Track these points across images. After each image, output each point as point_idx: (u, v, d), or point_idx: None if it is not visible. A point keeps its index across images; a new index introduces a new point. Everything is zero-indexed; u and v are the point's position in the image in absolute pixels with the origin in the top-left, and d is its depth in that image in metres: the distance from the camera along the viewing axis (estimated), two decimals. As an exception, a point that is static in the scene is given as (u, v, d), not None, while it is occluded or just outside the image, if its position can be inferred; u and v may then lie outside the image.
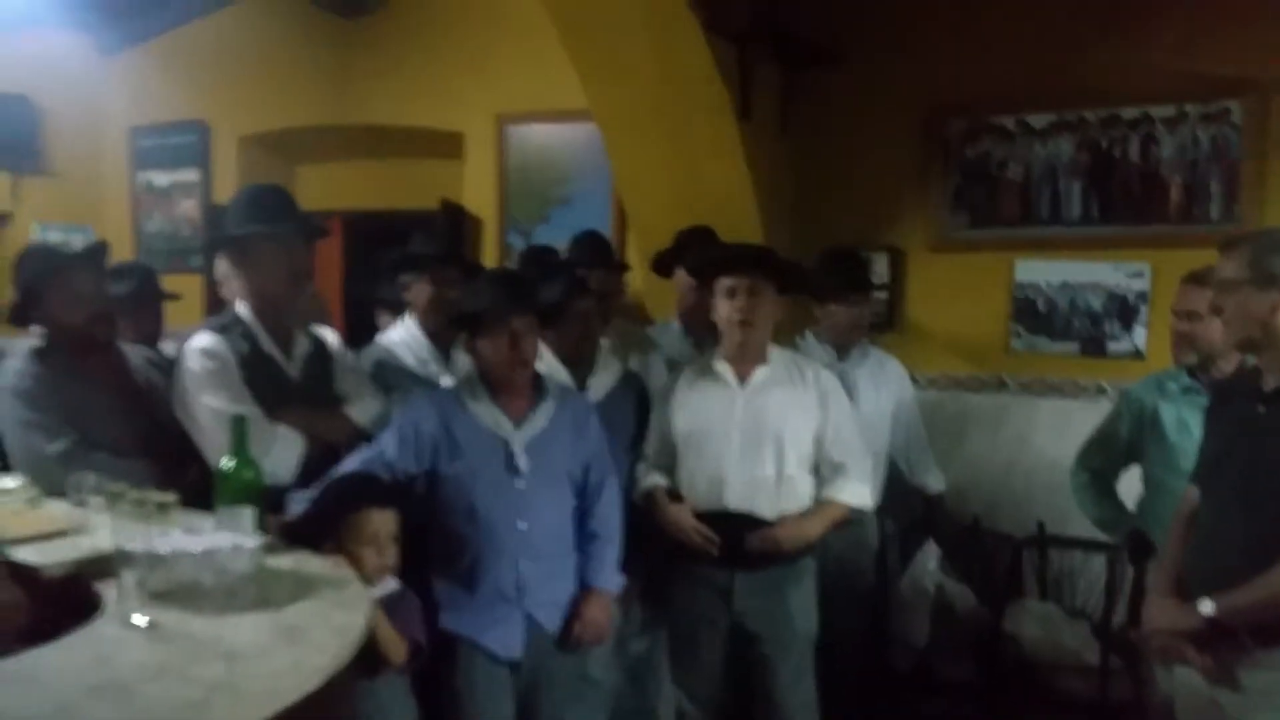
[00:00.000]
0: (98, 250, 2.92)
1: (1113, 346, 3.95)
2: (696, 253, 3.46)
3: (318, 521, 2.26)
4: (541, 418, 2.61)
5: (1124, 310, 3.91)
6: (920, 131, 4.15)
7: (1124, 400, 3.11)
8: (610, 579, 2.70)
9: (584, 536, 2.68)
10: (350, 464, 2.53)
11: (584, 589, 2.65)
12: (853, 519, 3.04)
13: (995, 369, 4.11)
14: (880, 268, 4.18)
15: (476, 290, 2.65)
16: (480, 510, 2.52)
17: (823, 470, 2.87)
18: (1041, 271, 4.02)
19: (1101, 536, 3.33)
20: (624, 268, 3.82)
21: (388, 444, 2.54)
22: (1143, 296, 3.88)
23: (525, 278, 2.83)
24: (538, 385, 2.65)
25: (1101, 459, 3.17)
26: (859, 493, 2.90)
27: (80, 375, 2.73)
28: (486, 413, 2.57)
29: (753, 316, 2.79)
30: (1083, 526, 3.41)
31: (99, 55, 5.95)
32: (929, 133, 4.14)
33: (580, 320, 2.98)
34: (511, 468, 2.55)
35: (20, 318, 2.82)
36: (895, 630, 3.67)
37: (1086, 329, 3.98)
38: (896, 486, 3.62)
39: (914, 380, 3.80)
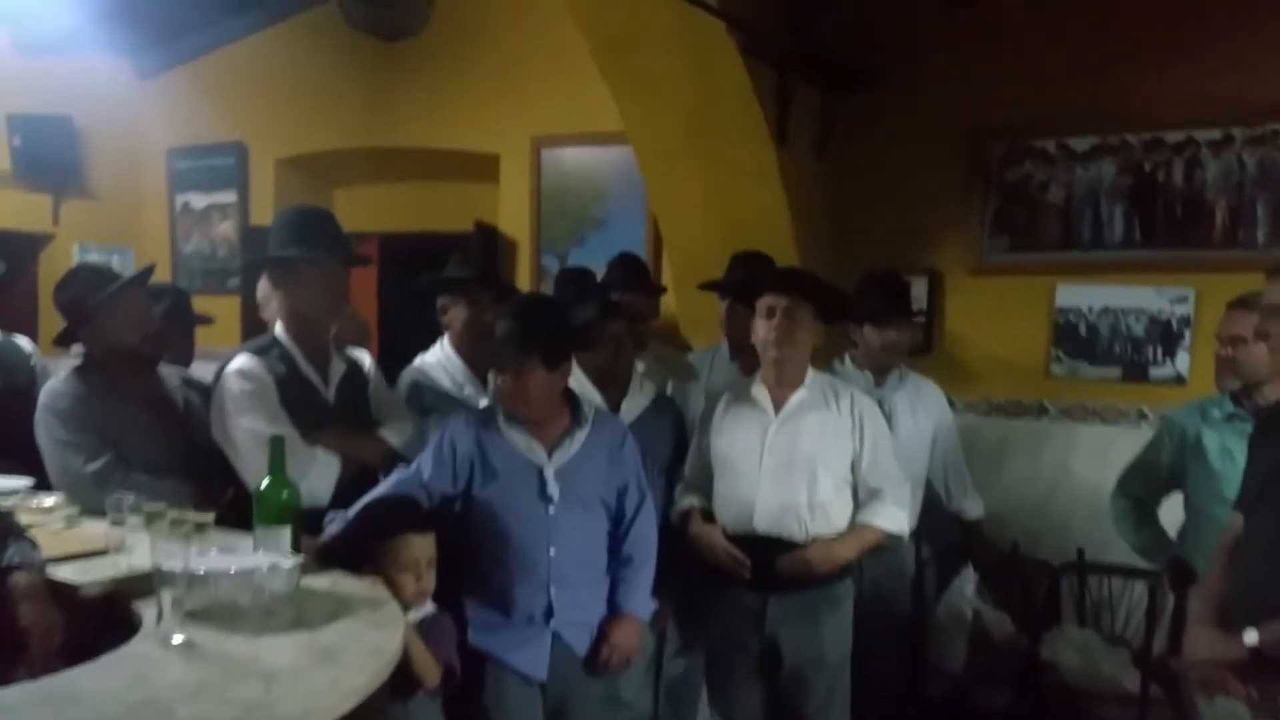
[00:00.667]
0: (146, 274, 2.96)
1: (1155, 372, 3.88)
2: (732, 274, 3.47)
3: (356, 544, 2.25)
4: (575, 444, 2.59)
5: (1166, 335, 3.85)
6: (960, 154, 4.12)
7: (1166, 426, 3.06)
8: (641, 604, 2.67)
9: (617, 560, 2.66)
10: (387, 485, 2.53)
11: (614, 613, 2.63)
12: (888, 545, 3.01)
13: (1035, 394, 4.06)
14: (919, 291, 4.13)
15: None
16: (512, 535, 2.52)
17: (859, 495, 2.85)
18: (1083, 295, 3.96)
19: (1142, 564, 3.27)
20: (660, 290, 3.81)
21: (424, 464, 2.54)
22: (1186, 321, 3.82)
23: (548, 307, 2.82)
24: (574, 411, 2.64)
25: (1142, 485, 3.11)
26: (895, 518, 2.85)
27: (119, 395, 2.76)
28: (520, 438, 2.57)
29: (788, 337, 2.77)
30: (1123, 553, 3.36)
31: (138, 78, 6.06)
32: (969, 156, 4.11)
33: (612, 342, 2.97)
34: (543, 494, 2.54)
35: (65, 338, 2.85)
36: (931, 657, 3.62)
37: (1128, 354, 3.92)
38: (934, 512, 3.56)
39: (952, 405, 3.75)
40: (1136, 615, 3.56)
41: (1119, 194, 3.90)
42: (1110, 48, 3.83)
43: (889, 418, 3.16)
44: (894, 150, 4.19)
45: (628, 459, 2.67)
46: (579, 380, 2.99)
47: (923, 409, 3.52)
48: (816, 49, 3.89)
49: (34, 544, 2.00)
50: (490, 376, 3.01)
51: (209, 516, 2.12)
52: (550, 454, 2.57)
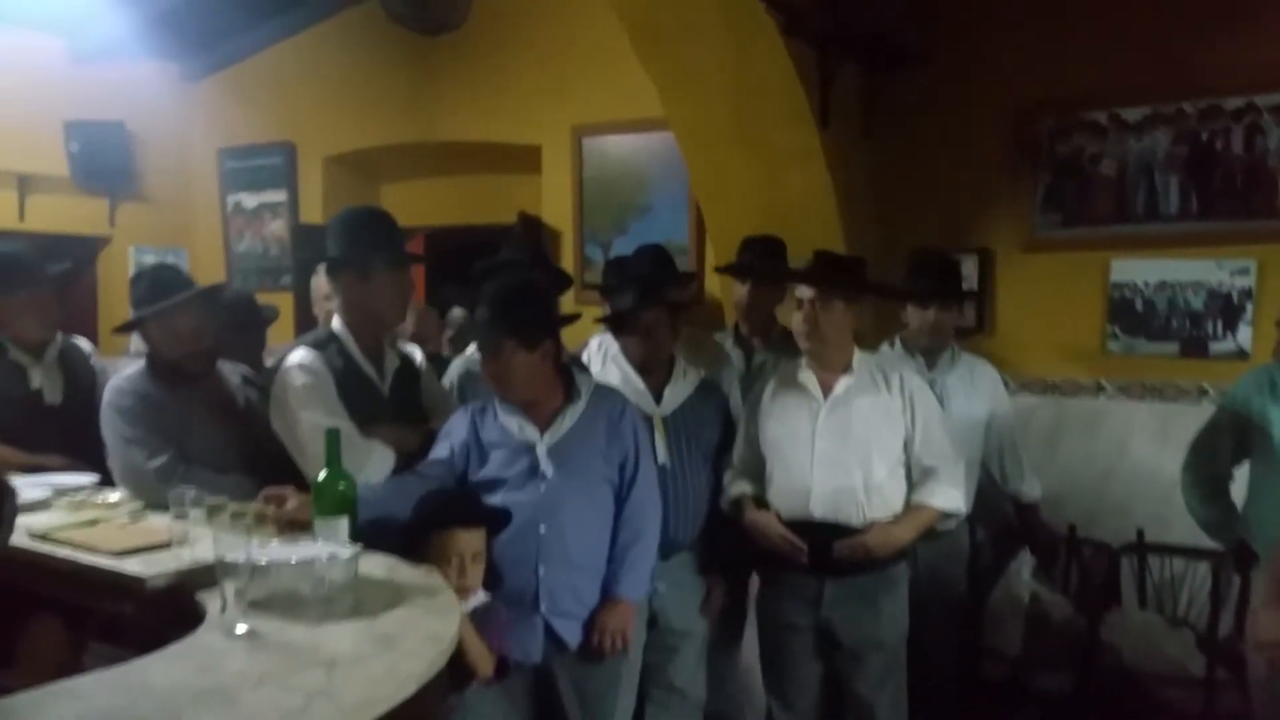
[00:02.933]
0: (209, 292, 3.02)
1: (1215, 347, 3.79)
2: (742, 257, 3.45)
3: (408, 534, 2.28)
4: (568, 420, 2.61)
5: (1227, 309, 3.76)
6: (1008, 129, 4.05)
7: (1229, 396, 2.97)
8: (633, 586, 2.65)
9: (613, 542, 2.65)
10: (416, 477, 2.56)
11: (604, 596, 2.63)
12: (945, 525, 2.98)
13: (1091, 372, 3.98)
14: (970, 270, 4.07)
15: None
16: None
17: (913, 475, 2.83)
18: (1139, 270, 3.88)
19: (1206, 544, 3.19)
20: (689, 278, 3.80)
21: (433, 454, 2.61)
22: (1247, 294, 3.72)
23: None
24: (569, 386, 2.65)
25: (1210, 458, 3.02)
26: (950, 496, 2.84)
27: (181, 393, 2.84)
28: (513, 419, 2.60)
29: (817, 328, 2.77)
30: (1185, 534, 3.28)
31: (186, 82, 6.17)
32: (1018, 130, 4.04)
33: (649, 330, 2.97)
34: (536, 472, 2.56)
35: (125, 328, 2.97)
36: (988, 639, 3.58)
37: (1187, 329, 3.83)
38: (989, 494, 3.52)
39: (1006, 385, 3.69)
40: (1200, 597, 3.49)
41: (1175, 164, 3.81)
42: (1163, 13, 3.73)
43: (941, 400, 3.14)
44: (940, 127, 4.14)
45: (626, 431, 2.65)
46: (622, 368, 3.01)
47: (976, 390, 3.48)
48: (858, 28, 3.84)
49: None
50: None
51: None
52: (544, 431, 2.59)
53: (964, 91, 4.08)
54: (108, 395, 2.85)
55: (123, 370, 2.95)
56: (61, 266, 3.40)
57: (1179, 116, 3.79)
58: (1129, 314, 3.91)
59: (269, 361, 2.98)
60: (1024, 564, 3.54)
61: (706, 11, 3.57)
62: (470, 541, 2.29)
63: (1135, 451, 3.88)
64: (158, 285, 2.87)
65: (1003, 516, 3.65)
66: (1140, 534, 3.66)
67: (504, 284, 2.63)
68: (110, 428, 2.81)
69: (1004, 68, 4.01)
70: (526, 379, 2.56)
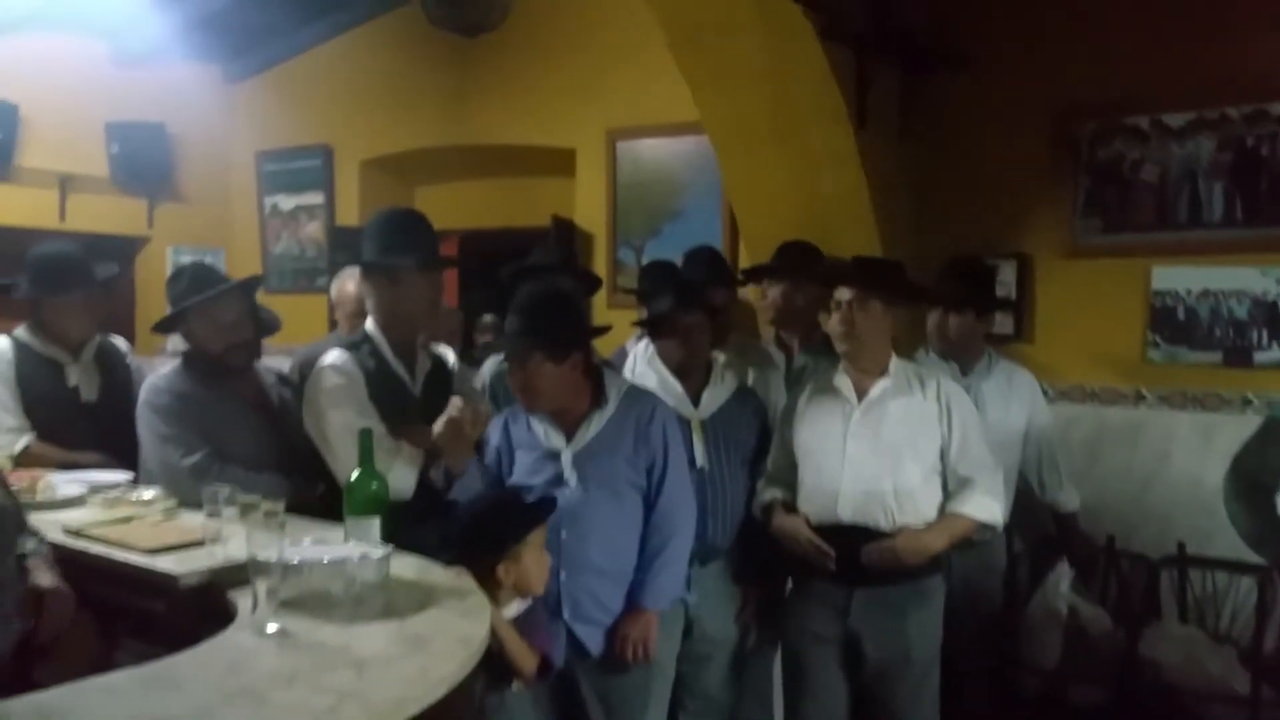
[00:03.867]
0: (248, 284, 3.06)
1: (1260, 356, 3.70)
2: (790, 272, 3.42)
3: (482, 546, 2.27)
4: (593, 427, 2.60)
5: (1272, 317, 3.67)
6: (1048, 134, 3.98)
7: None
8: (657, 596, 2.63)
9: (640, 549, 2.63)
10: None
11: (628, 605, 2.61)
12: (982, 536, 2.93)
13: (1132, 381, 3.91)
14: (1008, 276, 4.02)
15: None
16: None
17: (949, 484, 2.78)
18: (1181, 278, 3.80)
19: (1250, 557, 3.11)
20: (737, 282, 3.77)
21: (486, 457, 2.64)
22: (1294, 302, 3.64)
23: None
24: (596, 392, 2.63)
25: (1256, 467, 2.94)
26: (987, 507, 2.78)
27: (217, 392, 2.87)
28: (541, 425, 2.61)
29: (853, 330, 2.74)
30: (1227, 547, 3.20)
31: (226, 85, 6.24)
32: (1057, 135, 3.97)
33: (689, 333, 2.95)
34: (560, 479, 2.56)
35: (164, 327, 2.98)
36: (1025, 653, 3.52)
37: (1230, 338, 3.74)
38: (1027, 504, 3.47)
39: (1045, 393, 3.64)
40: (1244, 612, 3.41)
41: (1219, 171, 3.73)
42: (1207, 16, 3.65)
43: (977, 407, 3.08)
44: (978, 131, 4.08)
45: (655, 435, 2.63)
46: (659, 371, 2.99)
47: (1014, 398, 3.43)
48: (896, 29, 3.81)
49: (39, 537, 2.11)
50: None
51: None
52: (570, 438, 2.59)
53: (1003, 94, 4.02)
54: (144, 393, 2.88)
55: (160, 369, 2.98)
56: (110, 269, 3.42)
57: (1223, 122, 3.71)
58: (1171, 322, 3.83)
59: (292, 361, 3.00)
60: (1062, 576, 3.47)
61: (743, 13, 3.55)
62: (539, 537, 2.30)
63: (1176, 462, 3.80)
64: (197, 281, 2.91)
65: (1040, 527, 3.59)
66: (1181, 546, 3.59)
67: (534, 294, 2.62)
68: (146, 425, 2.85)
69: (1044, 71, 3.95)
70: (552, 390, 2.55)
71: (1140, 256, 3.86)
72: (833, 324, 2.78)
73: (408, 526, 2.26)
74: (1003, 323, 4.00)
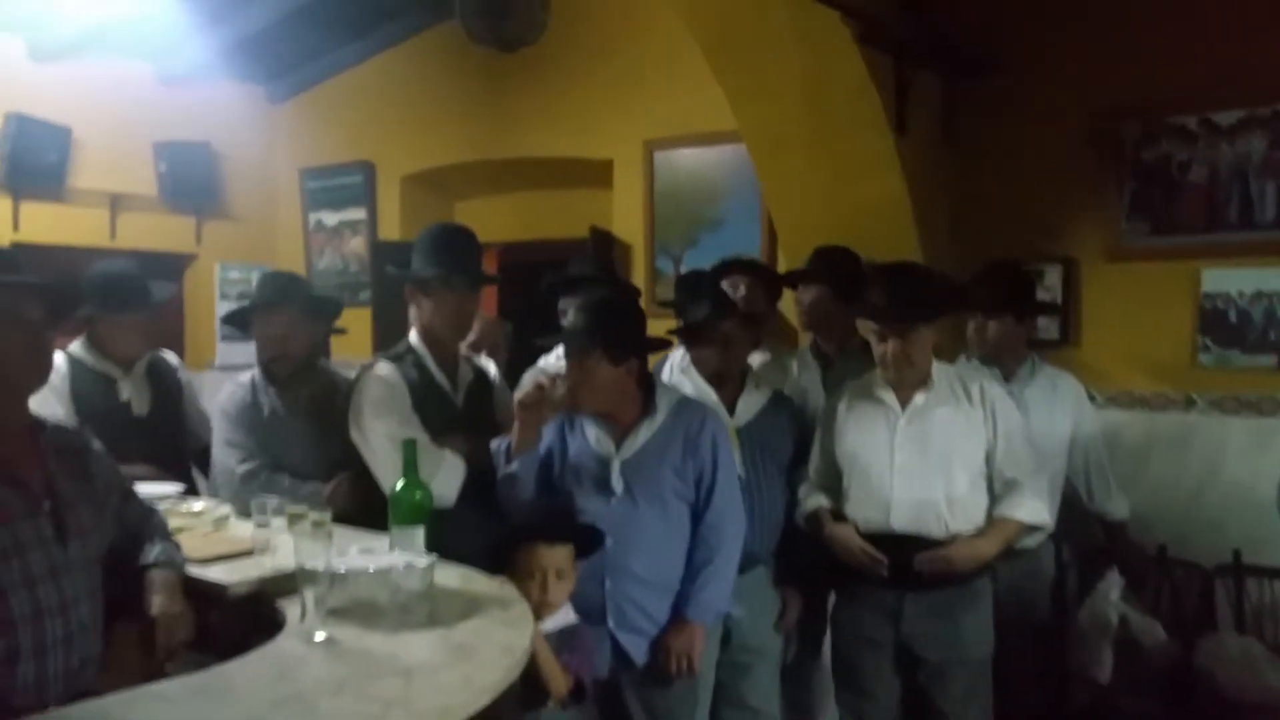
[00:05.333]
0: (276, 298, 3.10)
1: (1316, 359, 3.62)
2: (827, 279, 3.39)
3: (495, 549, 2.28)
4: (642, 435, 2.60)
5: (1328, 320, 3.59)
6: (1092, 136, 3.92)
7: None
8: (703, 609, 2.61)
9: (687, 560, 2.62)
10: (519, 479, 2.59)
11: (674, 616, 2.60)
12: (1026, 544, 2.90)
13: (1182, 386, 3.83)
14: (1053, 280, 3.97)
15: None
16: None
17: (995, 487, 2.77)
18: (1232, 280, 3.72)
19: (1312, 566, 3.04)
20: (774, 287, 3.76)
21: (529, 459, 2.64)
22: (1350, 304, 3.55)
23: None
24: (647, 401, 2.63)
25: None
26: (1035, 509, 2.76)
27: (283, 400, 2.98)
28: (593, 430, 2.62)
29: (905, 360, 2.72)
30: (1288, 555, 3.13)
31: (269, 104, 6.35)
32: (1101, 137, 3.91)
33: (726, 341, 2.95)
34: (608, 486, 2.56)
35: (231, 320, 3.18)
36: (1074, 664, 3.45)
37: (1284, 341, 3.66)
38: (1075, 512, 3.41)
39: (1092, 399, 3.58)
40: (1306, 623, 3.32)
41: (1271, 170, 3.65)
42: (1255, 11, 3.58)
43: (1021, 414, 3.04)
44: (1020, 134, 4.03)
45: (704, 446, 2.62)
46: (694, 380, 2.99)
47: (1059, 404, 3.37)
48: (935, 33, 3.78)
49: (178, 546, 2.12)
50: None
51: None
52: (619, 445, 2.59)
53: (1046, 97, 3.97)
54: (219, 396, 3.03)
55: (238, 375, 3.10)
56: (167, 290, 3.49)
57: (1275, 119, 3.63)
58: (1222, 325, 3.75)
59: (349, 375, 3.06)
60: (1113, 585, 3.40)
61: (780, 20, 3.55)
62: (554, 558, 2.27)
63: (1229, 469, 3.72)
64: (263, 290, 3.04)
65: (1089, 535, 3.53)
66: (1237, 555, 3.50)
67: (601, 296, 2.66)
68: (215, 428, 3.01)
69: (1087, 72, 3.89)
70: (605, 392, 2.57)
71: (1189, 259, 3.79)
72: (880, 352, 2.75)
73: (456, 529, 2.28)
74: (1048, 327, 3.95)
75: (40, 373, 1.87)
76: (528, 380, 3.19)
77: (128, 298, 3.26)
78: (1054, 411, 3.34)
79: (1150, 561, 3.58)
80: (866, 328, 2.78)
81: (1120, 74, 3.84)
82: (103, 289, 3.24)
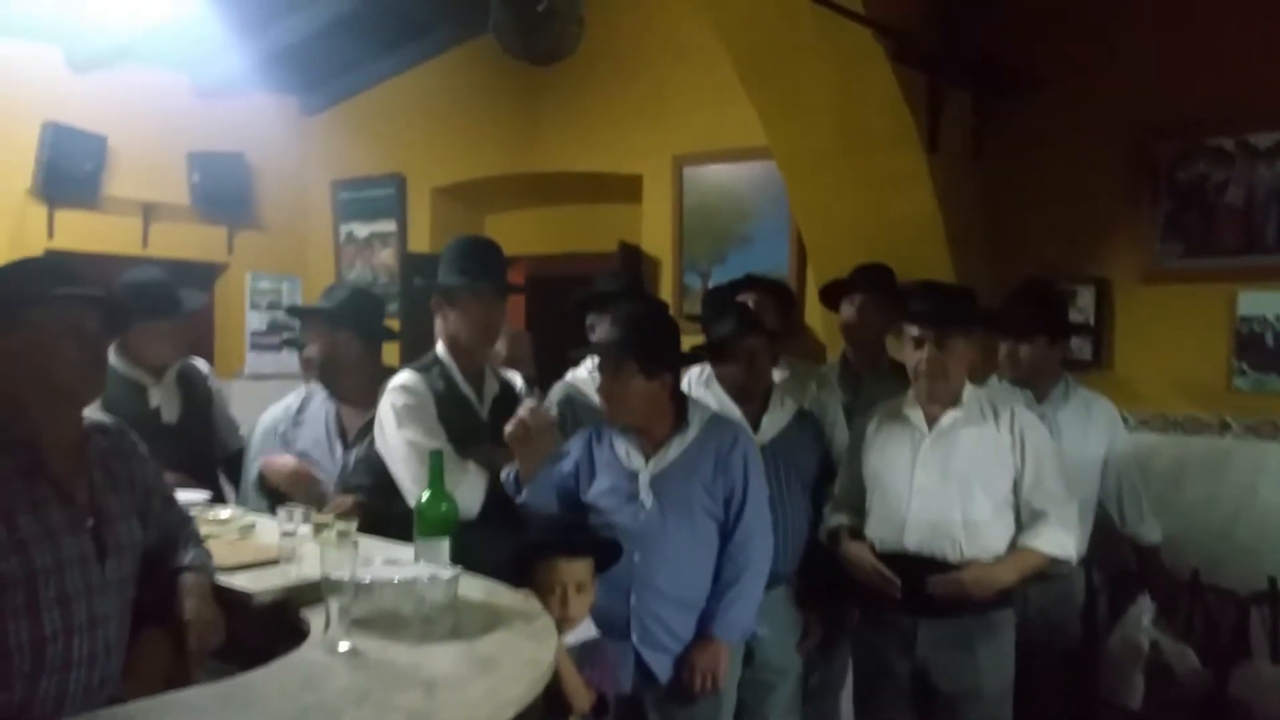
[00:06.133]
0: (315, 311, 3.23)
1: (1354, 385, 3.56)
2: (868, 291, 3.38)
3: (516, 562, 2.27)
4: (673, 450, 2.58)
5: (1367, 344, 3.53)
6: (1127, 156, 3.88)
7: None
8: (729, 627, 2.59)
9: (714, 577, 2.60)
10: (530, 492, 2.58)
11: (699, 634, 2.58)
12: (1053, 571, 2.86)
13: (1216, 409, 3.77)
14: (1086, 301, 3.93)
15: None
16: None
17: (1021, 517, 2.72)
18: (1269, 303, 3.66)
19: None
20: (793, 304, 3.77)
21: (551, 471, 2.64)
22: (1389, 329, 3.49)
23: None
24: (679, 416, 2.61)
25: None
26: (1059, 541, 2.71)
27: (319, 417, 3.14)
28: (622, 444, 2.61)
29: (940, 370, 2.69)
30: (1325, 584, 3.07)
31: (303, 115, 6.41)
32: (1136, 157, 3.87)
33: (751, 358, 2.93)
34: (636, 499, 2.54)
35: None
36: (1105, 689, 3.39)
37: (1322, 366, 3.60)
38: (1105, 536, 3.36)
39: (1125, 422, 3.53)
40: (1345, 653, 3.25)
41: (1310, 193, 3.61)
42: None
43: (1053, 436, 3.00)
44: (1054, 153, 4.00)
45: (735, 464, 2.61)
46: (718, 395, 2.98)
47: (1092, 426, 3.33)
48: (968, 51, 3.76)
49: (209, 553, 2.12)
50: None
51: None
52: (649, 459, 2.57)
53: (1080, 115, 3.94)
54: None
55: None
56: (198, 299, 3.52)
57: (1314, 142, 3.59)
58: (1258, 349, 3.69)
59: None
60: (1145, 610, 3.35)
61: (812, 37, 3.53)
62: (574, 572, 2.26)
63: (1265, 494, 3.65)
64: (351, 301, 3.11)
65: (1120, 559, 3.48)
66: (1272, 582, 3.43)
67: (637, 309, 2.66)
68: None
69: (1123, 91, 3.86)
70: (639, 405, 2.56)
71: (1225, 281, 3.74)
72: (915, 362, 2.73)
73: (477, 543, 2.27)
74: (1080, 349, 3.90)
75: (97, 385, 1.88)
76: (558, 393, 3.20)
77: (158, 306, 3.28)
78: (1087, 434, 3.30)
79: (1183, 587, 3.52)
80: (900, 341, 2.76)
81: (1157, 94, 3.80)
82: (133, 297, 3.27)
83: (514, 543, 2.32)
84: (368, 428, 2.92)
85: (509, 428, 2.56)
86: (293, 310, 3.90)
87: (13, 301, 1.77)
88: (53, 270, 1.85)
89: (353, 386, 3.03)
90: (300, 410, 3.20)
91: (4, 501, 1.70)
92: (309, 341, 3.24)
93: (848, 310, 3.44)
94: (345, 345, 3.01)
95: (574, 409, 3.09)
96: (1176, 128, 3.79)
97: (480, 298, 2.80)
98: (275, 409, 3.32)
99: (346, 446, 3.02)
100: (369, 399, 2.94)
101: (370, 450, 2.82)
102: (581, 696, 2.19)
